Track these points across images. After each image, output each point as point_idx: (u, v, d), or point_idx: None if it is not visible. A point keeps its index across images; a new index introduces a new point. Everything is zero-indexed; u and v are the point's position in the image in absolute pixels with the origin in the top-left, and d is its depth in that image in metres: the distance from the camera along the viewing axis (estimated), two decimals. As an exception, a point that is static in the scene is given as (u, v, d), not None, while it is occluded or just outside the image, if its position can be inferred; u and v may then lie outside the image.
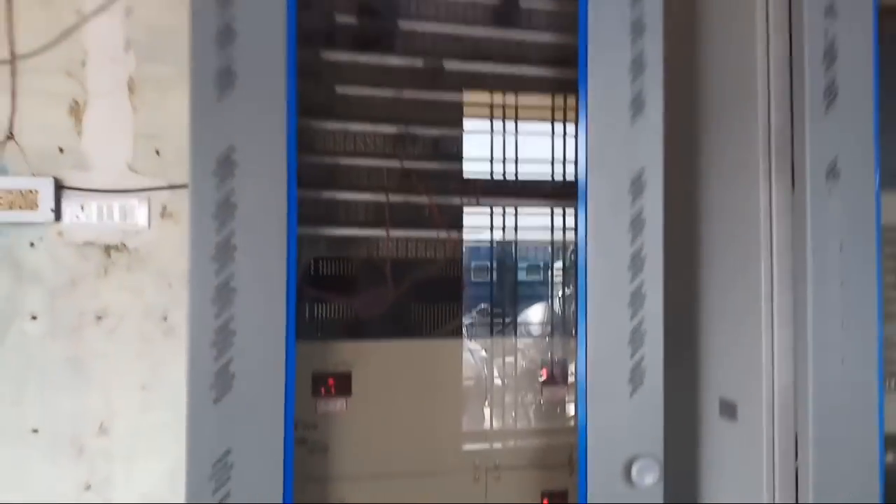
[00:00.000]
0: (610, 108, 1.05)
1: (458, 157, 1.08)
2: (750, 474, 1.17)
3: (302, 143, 0.96)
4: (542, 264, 1.17)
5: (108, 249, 1.56)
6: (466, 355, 1.11)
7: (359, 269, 1.05)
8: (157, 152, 1.61)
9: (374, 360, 1.03)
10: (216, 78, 0.91)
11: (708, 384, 1.31)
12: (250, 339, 0.91)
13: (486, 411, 1.13)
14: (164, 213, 1.60)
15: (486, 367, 1.12)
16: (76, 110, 1.57)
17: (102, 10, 1.62)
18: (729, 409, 1.24)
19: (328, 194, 1.02)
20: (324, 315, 1.03)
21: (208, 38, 0.91)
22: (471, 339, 1.12)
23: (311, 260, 1.02)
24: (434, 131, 1.06)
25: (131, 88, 1.61)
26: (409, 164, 1.03)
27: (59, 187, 1.54)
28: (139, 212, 1.59)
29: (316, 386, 0.99)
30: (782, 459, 1.13)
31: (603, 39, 1.05)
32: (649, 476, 1.04)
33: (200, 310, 0.90)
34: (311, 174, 1.00)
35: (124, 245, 1.58)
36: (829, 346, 1.07)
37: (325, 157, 1.02)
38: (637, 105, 1.06)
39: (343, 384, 0.99)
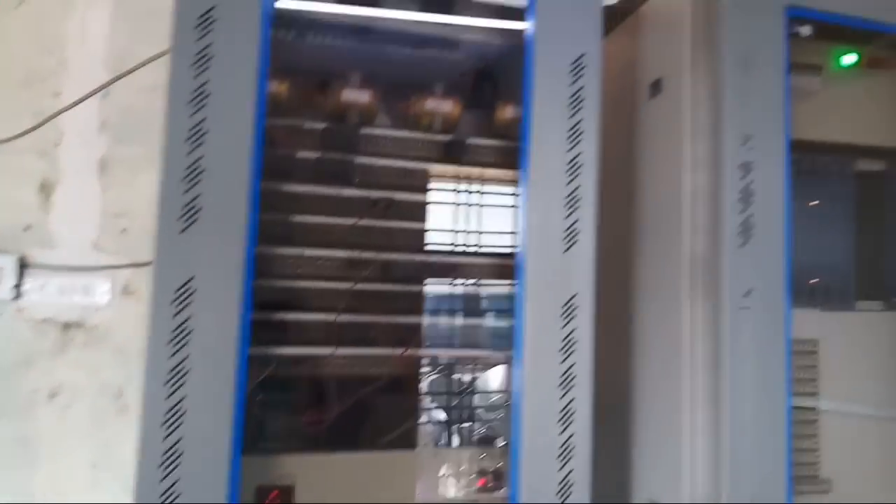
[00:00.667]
0: (546, 237, 1.14)
1: (408, 278, 1.16)
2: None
3: (259, 268, 1.03)
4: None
5: (66, 326, 1.59)
6: (421, 467, 1.17)
7: (308, 386, 1.12)
8: (124, 230, 1.66)
9: (319, 474, 1.09)
10: (181, 212, 0.98)
11: (640, 487, 1.39)
12: (195, 457, 0.97)
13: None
14: (126, 290, 1.63)
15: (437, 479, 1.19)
16: (46, 189, 1.61)
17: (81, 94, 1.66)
18: (656, 511, 1.33)
19: (281, 315, 1.09)
20: (272, 429, 1.10)
21: (177, 176, 0.98)
22: (423, 452, 1.19)
23: (261, 376, 1.08)
24: (384, 255, 1.15)
25: (102, 168, 1.66)
26: (361, 286, 1.11)
27: (23, 265, 1.57)
28: (101, 289, 1.63)
29: (260, 499, 1.04)
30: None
31: (541, 176, 1.14)
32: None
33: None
34: (266, 295, 1.07)
35: (83, 322, 1.61)
36: (742, 454, 1.17)
37: (280, 281, 1.09)
38: (571, 236, 1.16)
39: (286, 498, 1.05)
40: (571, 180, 1.17)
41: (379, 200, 1.13)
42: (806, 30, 1.25)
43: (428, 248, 1.19)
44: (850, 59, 1.42)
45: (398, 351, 1.12)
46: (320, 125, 1.12)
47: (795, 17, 1.23)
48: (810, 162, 1.41)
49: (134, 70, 1.67)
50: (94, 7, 1.69)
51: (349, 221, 1.12)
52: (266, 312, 1.06)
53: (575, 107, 1.16)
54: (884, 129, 1.45)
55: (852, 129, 1.43)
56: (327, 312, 1.10)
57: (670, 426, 1.28)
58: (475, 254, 1.23)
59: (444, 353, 1.23)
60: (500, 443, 1.24)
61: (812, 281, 1.41)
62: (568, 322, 1.16)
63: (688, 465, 1.24)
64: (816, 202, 1.41)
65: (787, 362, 1.22)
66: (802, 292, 1.40)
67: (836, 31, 1.32)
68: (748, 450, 1.19)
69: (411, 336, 1.14)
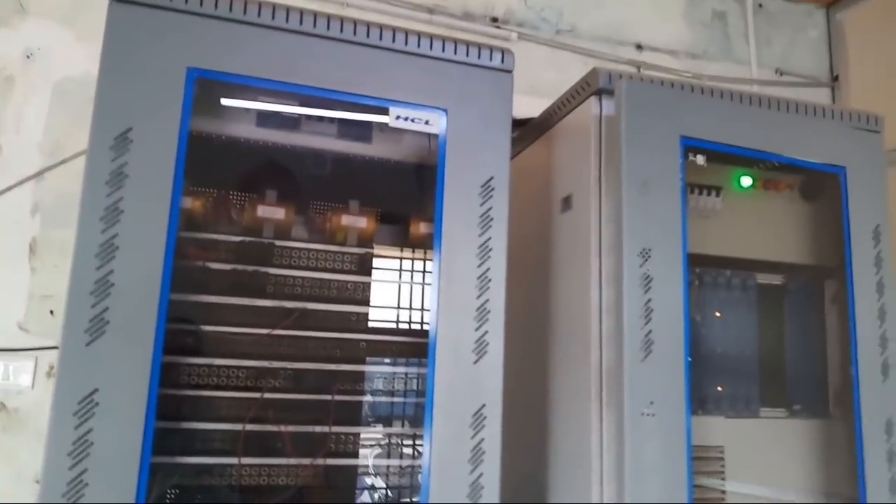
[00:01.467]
0: (456, 350, 1.18)
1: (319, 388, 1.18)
2: None
3: (165, 378, 1.04)
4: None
5: (-15, 409, 1.56)
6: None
7: (211, 495, 1.11)
8: (52, 312, 1.65)
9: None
10: (88, 325, 0.99)
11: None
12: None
13: None
14: (51, 372, 1.61)
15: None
16: (-26, 272, 1.61)
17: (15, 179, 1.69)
18: None
19: (187, 425, 1.09)
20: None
21: (85, 290, 1.00)
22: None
23: (164, 486, 1.07)
24: (296, 366, 1.17)
25: (32, 250, 1.66)
26: (270, 396, 1.13)
27: (-54, 349, 1.55)
28: (24, 371, 1.60)
29: None
30: None
31: (452, 288, 1.20)
32: None
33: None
34: (171, 406, 1.08)
35: (4, 405, 1.58)
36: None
37: (187, 391, 1.10)
38: (480, 348, 1.20)
39: None
40: (481, 294, 1.22)
41: (293, 311, 1.16)
42: (700, 159, 1.35)
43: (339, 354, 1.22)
44: (746, 181, 1.54)
45: (305, 461, 1.12)
46: (235, 238, 1.16)
47: (689, 146, 1.34)
48: (714, 276, 1.50)
49: (67, 161, 1.71)
50: (32, 96, 1.75)
51: (262, 331, 1.15)
52: (171, 421, 1.07)
53: (484, 225, 1.23)
54: (778, 245, 1.55)
55: (752, 245, 1.53)
56: (234, 422, 1.10)
57: (580, 535, 1.29)
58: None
59: (352, 462, 1.23)
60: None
61: (718, 388, 1.47)
62: (477, 432, 1.18)
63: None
64: (719, 314, 1.49)
65: (688, 467, 1.25)
66: (709, 400, 1.46)
67: (736, 156, 1.44)
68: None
69: (320, 445, 1.15)
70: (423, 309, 1.31)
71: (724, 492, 1.44)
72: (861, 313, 1.43)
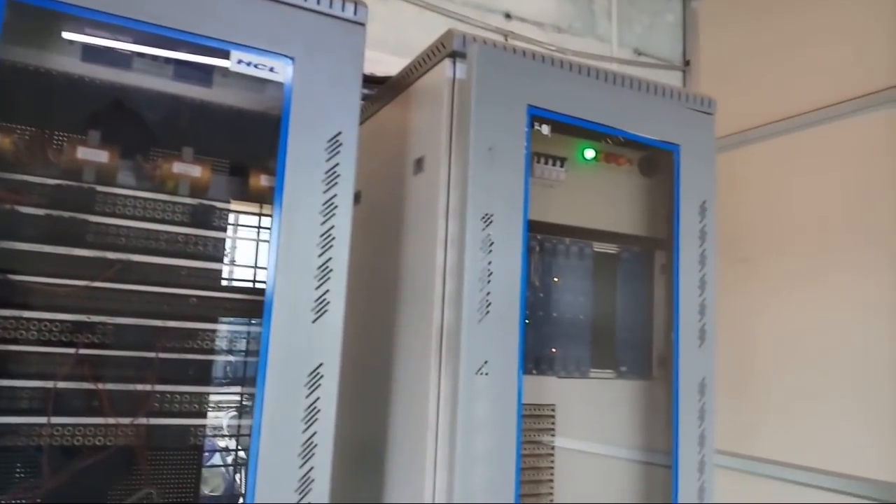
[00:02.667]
0: (295, 308, 1.16)
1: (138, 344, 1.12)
2: None
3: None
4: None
5: None
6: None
7: (20, 457, 1.03)
8: None
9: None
10: None
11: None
12: None
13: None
14: None
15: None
16: None
17: None
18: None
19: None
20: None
21: None
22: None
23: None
24: (116, 320, 1.10)
25: None
26: (87, 352, 1.06)
27: None
28: None
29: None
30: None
31: (292, 245, 1.17)
32: None
33: None
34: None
35: None
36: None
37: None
38: (321, 307, 1.18)
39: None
40: (324, 252, 1.20)
41: (115, 262, 1.09)
42: (545, 129, 1.40)
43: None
44: (590, 154, 1.61)
45: (125, 421, 1.07)
46: (51, 182, 1.07)
47: (536, 115, 1.37)
48: (555, 244, 1.57)
49: None
50: None
51: (79, 283, 1.07)
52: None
53: (330, 182, 1.21)
54: (616, 217, 1.64)
55: (591, 215, 1.61)
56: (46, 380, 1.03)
57: (415, 486, 1.33)
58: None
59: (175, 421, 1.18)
60: None
61: (552, 350, 1.55)
62: (313, 391, 1.18)
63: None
64: (556, 280, 1.56)
65: (518, 424, 1.31)
66: (543, 361, 1.54)
67: (580, 129, 1.49)
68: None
69: (141, 404, 1.10)
70: (258, 266, 1.27)
71: (553, 447, 1.53)
72: (684, 283, 1.55)
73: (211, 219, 1.19)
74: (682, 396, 1.53)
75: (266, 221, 1.26)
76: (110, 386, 1.06)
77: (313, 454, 1.17)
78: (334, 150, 1.22)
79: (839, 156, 2.23)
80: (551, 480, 1.53)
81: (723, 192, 1.67)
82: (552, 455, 1.52)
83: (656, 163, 1.65)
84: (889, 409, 2.14)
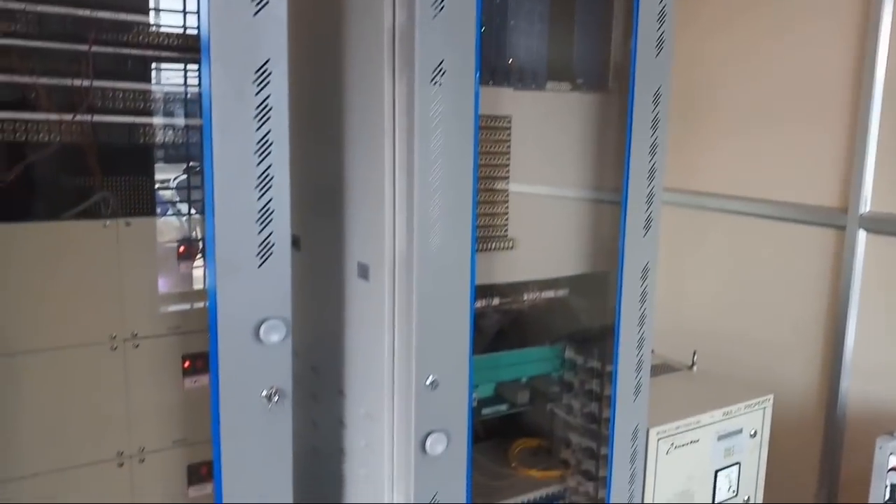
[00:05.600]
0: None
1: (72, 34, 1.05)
2: (378, 323, 1.40)
3: None
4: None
5: None
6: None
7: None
8: None
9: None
10: None
11: (350, 251, 1.50)
12: None
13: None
14: None
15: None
16: None
17: None
18: (363, 271, 1.45)
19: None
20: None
21: None
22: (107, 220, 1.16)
23: None
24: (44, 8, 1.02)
25: None
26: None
27: None
28: None
29: None
30: (401, 309, 1.36)
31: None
32: (275, 335, 1.20)
33: None
34: None
35: None
36: (430, 219, 1.29)
37: None
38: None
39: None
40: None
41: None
42: None
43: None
44: None
45: (67, 116, 1.04)
46: None
47: None
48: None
49: None
50: None
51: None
52: None
53: None
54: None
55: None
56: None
57: (376, 194, 1.36)
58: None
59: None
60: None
61: (509, 60, 1.51)
62: (262, 90, 1.15)
63: (389, 230, 1.35)
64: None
65: (475, 134, 1.32)
66: (499, 71, 1.51)
67: None
68: (434, 216, 1.30)
69: (81, 101, 1.06)
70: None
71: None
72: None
73: None
74: (637, 106, 1.54)
75: None
76: (44, 80, 1.01)
77: (270, 186, 1.17)
78: None
79: None
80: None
81: None
82: (508, 164, 1.54)
83: None
84: (837, 137, 2.22)
